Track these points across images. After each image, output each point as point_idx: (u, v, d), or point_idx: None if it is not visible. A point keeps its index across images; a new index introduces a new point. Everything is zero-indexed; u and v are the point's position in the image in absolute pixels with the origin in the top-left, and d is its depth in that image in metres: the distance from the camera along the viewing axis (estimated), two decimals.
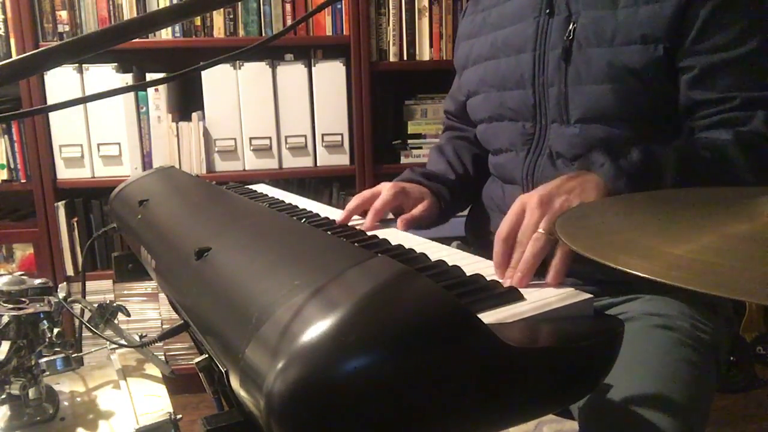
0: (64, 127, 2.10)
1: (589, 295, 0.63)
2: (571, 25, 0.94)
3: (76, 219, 2.18)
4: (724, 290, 0.43)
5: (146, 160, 2.17)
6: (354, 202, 1.00)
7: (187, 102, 2.28)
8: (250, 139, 2.17)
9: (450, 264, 0.74)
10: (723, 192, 0.70)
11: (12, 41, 2.06)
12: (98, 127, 2.12)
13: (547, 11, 0.98)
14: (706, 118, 0.90)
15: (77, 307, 1.03)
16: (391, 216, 1.05)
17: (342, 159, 2.23)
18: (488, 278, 0.68)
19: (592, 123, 0.94)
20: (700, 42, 0.88)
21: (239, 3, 2.13)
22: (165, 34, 2.13)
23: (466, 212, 1.22)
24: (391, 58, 2.20)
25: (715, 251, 0.50)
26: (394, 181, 1.09)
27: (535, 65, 0.99)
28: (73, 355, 0.97)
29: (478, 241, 1.15)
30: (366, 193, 1.02)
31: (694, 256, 0.49)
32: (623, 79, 0.91)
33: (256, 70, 2.13)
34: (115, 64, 2.09)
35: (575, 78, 0.94)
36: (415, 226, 1.00)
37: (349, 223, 0.99)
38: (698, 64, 0.88)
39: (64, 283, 1.06)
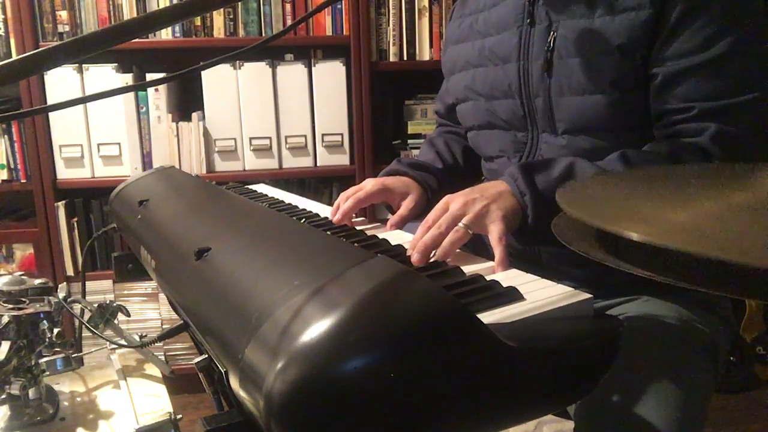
0: (64, 127, 2.10)
1: (589, 295, 0.63)
2: (551, 35, 0.93)
3: (76, 219, 2.18)
4: (723, 253, 0.42)
5: (146, 160, 2.17)
6: (340, 199, 1.00)
7: (187, 102, 2.28)
8: (250, 139, 2.17)
9: (450, 264, 0.74)
10: (725, 168, 0.69)
11: (12, 41, 2.05)
12: (98, 127, 2.12)
13: (528, 21, 0.96)
14: (665, 128, 0.89)
15: (77, 307, 1.04)
16: (390, 216, 1.05)
17: (342, 159, 2.23)
18: (488, 278, 0.68)
19: (579, 134, 0.94)
20: (666, 48, 0.86)
21: (239, 3, 2.13)
22: (165, 34, 2.13)
23: None
24: (391, 58, 2.20)
25: (716, 218, 0.49)
26: (379, 176, 1.09)
27: (520, 76, 0.98)
28: (73, 355, 0.98)
29: (475, 241, 1.15)
30: (350, 191, 1.02)
31: (696, 221, 0.49)
32: (604, 91, 0.90)
33: (256, 70, 2.13)
34: (115, 64, 2.09)
35: (558, 90, 0.94)
36: (404, 225, 1.00)
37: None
38: (661, 72, 0.87)
39: (64, 283, 1.06)
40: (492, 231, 0.79)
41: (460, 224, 0.79)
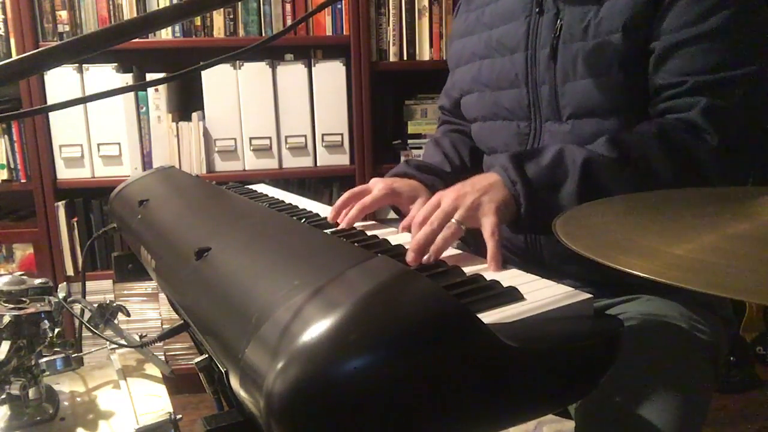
0: (64, 127, 2.10)
1: (589, 295, 0.63)
2: (558, 22, 0.94)
3: (76, 219, 2.18)
4: (724, 290, 0.43)
5: (146, 160, 2.17)
6: (344, 197, 0.99)
7: (187, 102, 2.28)
8: (250, 139, 2.17)
9: (450, 264, 0.74)
10: (723, 192, 0.70)
11: (12, 41, 2.05)
12: (98, 127, 2.12)
13: (537, 10, 0.98)
14: (658, 104, 0.89)
15: (77, 307, 1.03)
16: (396, 216, 1.05)
17: (342, 159, 2.23)
18: (488, 278, 0.68)
19: (584, 118, 0.94)
20: (663, 22, 0.86)
21: (239, 3, 2.13)
22: (165, 34, 2.13)
23: None
24: (391, 58, 2.20)
25: (715, 251, 0.50)
26: (386, 176, 1.08)
27: (527, 65, 0.99)
28: (73, 355, 0.97)
29: (477, 241, 1.15)
30: (356, 190, 1.00)
31: (694, 255, 0.49)
32: (608, 72, 0.90)
33: (256, 70, 2.13)
34: (115, 64, 2.09)
35: (563, 75, 0.94)
36: None
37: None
38: (658, 46, 0.87)
39: (64, 283, 1.06)
40: (485, 225, 0.79)
41: (453, 220, 0.79)
